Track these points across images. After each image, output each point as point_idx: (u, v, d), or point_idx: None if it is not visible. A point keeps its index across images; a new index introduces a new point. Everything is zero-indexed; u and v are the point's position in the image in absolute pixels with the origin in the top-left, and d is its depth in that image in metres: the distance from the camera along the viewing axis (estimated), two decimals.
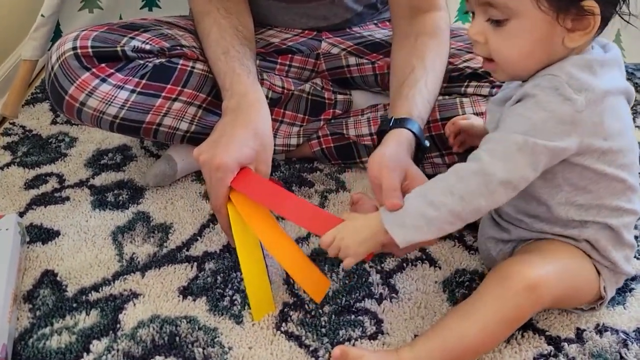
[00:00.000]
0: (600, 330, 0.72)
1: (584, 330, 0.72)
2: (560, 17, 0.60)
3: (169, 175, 1.02)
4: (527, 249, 0.71)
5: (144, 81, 0.90)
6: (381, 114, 1.03)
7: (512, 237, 0.74)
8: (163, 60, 0.92)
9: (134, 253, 0.87)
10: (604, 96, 0.62)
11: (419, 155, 0.80)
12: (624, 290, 0.78)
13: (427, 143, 0.81)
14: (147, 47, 0.91)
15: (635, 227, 0.78)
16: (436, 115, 0.96)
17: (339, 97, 1.09)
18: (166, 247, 0.89)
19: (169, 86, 0.92)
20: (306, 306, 0.77)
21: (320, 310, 0.76)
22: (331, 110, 1.08)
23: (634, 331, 0.72)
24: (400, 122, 0.78)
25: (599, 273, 0.70)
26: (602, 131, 0.63)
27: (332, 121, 1.08)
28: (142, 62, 0.90)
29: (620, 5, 0.61)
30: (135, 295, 0.80)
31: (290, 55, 1.08)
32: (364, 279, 0.81)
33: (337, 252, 0.67)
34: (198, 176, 1.07)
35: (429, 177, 0.99)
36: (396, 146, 0.75)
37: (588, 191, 0.66)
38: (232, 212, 0.75)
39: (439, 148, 0.96)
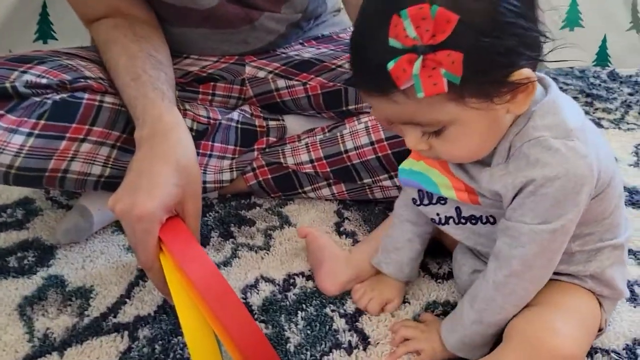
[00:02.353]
0: (591, 353, 0.66)
1: None
2: (496, 100, 0.52)
3: (84, 229, 0.88)
4: (539, 298, 0.62)
5: (42, 121, 0.76)
6: (320, 138, 0.94)
7: None
8: (64, 95, 0.78)
9: (48, 328, 0.72)
10: (583, 129, 0.56)
11: None
12: None
13: None
14: (44, 80, 0.77)
15: None
16: (380, 135, 0.88)
17: (271, 123, 1.00)
18: (88, 315, 0.75)
19: (74, 125, 0.78)
20: None
21: None
22: (264, 139, 0.98)
23: (623, 349, 0.67)
24: None
25: (600, 305, 0.64)
26: (600, 162, 0.57)
27: (267, 150, 0.98)
28: (38, 99, 0.76)
29: (543, 43, 0.55)
30: None
31: (212, 84, 0.97)
32: (327, 327, 0.71)
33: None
34: (119, 226, 0.93)
35: (378, 201, 0.94)
36: None
37: (594, 221, 0.61)
38: (166, 265, 0.63)
39: (387, 169, 0.89)
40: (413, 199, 0.68)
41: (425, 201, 0.68)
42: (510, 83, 0.51)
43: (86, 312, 0.75)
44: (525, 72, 0.51)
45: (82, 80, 0.80)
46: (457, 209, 0.65)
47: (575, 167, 0.54)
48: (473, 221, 0.64)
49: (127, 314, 0.75)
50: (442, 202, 0.66)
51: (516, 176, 0.55)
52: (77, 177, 0.81)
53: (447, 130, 0.54)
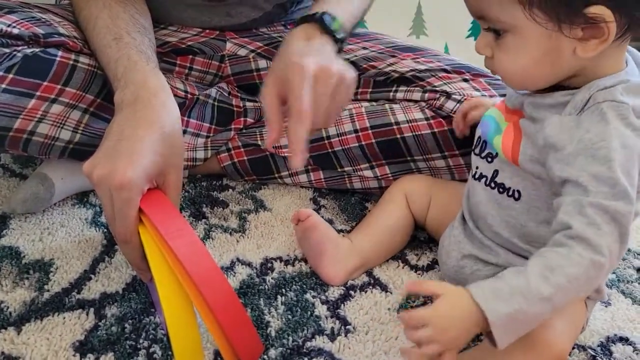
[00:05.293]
0: None
1: None
2: (565, 27, 0.52)
3: (43, 199, 0.81)
4: None
5: (10, 75, 0.69)
6: None
7: (499, 262, 0.65)
8: (37, 50, 0.71)
9: (2, 302, 0.66)
10: None
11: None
12: None
13: (341, 35, 0.73)
14: (15, 31, 0.70)
15: None
16: (365, 124, 0.87)
17: (249, 104, 0.96)
18: (48, 290, 0.69)
19: (45, 83, 0.71)
20: None
21: (264, 356, 0.62)
22: (242, 119, 0.94)
23: (598, 346, 0.68)
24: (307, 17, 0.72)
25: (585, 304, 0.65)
26: None
27: (244, 131, 0.94)
28: (7, 50, 0.69)
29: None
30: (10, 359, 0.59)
31: (190, 57, 0.93)
32: (309, 313, 0.68)
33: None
34: (81, 199, 0.87)
35: (355, 191, 0.93)
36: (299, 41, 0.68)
37: None
38: (146, 239, 0.58)
39: (369, 159, 0.87)
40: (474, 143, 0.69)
41: (477, 150, 0.68)
42: (584, 16, 0.51)
43: (46, 287, 0.69)
44: (606, 12, 0.50)
45: (57, 36, 0.73)
46: (495, 172, 0.64)
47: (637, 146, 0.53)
48: (501, 189, 0.64)
49: (92, 290, 0.69)
50: (489, 159, 0.66)
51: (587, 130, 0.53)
52: (43, 140, 0.74)
53: (507, 37, 0.55)
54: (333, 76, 0.64)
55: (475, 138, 0.69)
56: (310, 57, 0.64)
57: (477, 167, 0.68)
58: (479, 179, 0.67)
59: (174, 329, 0.55)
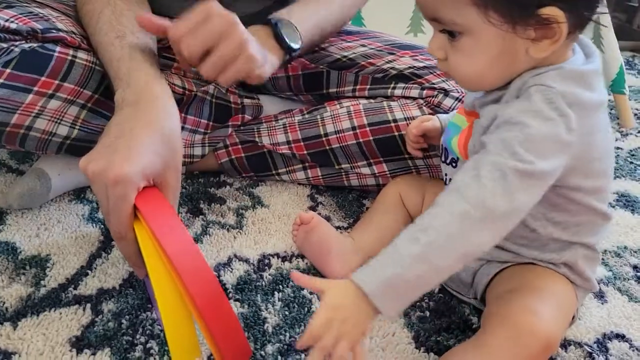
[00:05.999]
0: (565, 345, 0.67)
1: None
2: (519, 28, 0.52)
3: (40, 195, 0.81)
4: (516, 282, 0.62)
5: (8, 70, 0.69)
6: (299, 119, 0.91)
7: (486, 257, 0.66)
8: (35, 45, 0.71)
9: None
10: (596, 112, 0.56)
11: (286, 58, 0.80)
12: None
13: (296, 45, 0.80)
14: (13, 25, 0.70)
15: None
16: (363, 121, 0.87)
17: (247, 101, 0.96)
18: (44, 286, 0.69)
19: (43, 78, 0.71)
20: None
21: (261, 352, 0.62)
22: (240, 116, 0.94)
23: (594, 343, 0.68)
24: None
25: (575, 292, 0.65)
26: (589, 152, 0.57)
27: (242, 128, 0.94)
28: (5, 45, 0.69)
29: (594, 9, 0.55)
30: (7, 355, 0.59)
31: None
32: (306, 309, 0.68)
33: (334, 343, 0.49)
34: (77, 195, 0.86)
35: (353, 188, 0.93)
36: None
37: (565, 210, 0.61)
38: (141, 235, 0.58)
39: (367, 156, 0.87)
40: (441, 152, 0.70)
41: (442, 157, 0.69)
42: (538, 16, 0.51)
43: (42, 282, 0.69)
44: (558, 12, 0.51)
45: (55, 31, 0.73)
46: None
47: (558, 130, 0.52)
48: None
49: (89, 286, 0.69)
50: (454, 165, 0.67)
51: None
52: (40, 135, 0.74)
53: (462, 39, 0.55)
54: (236, 40, 0.69)
55: (440, 146, 0.70)
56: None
57: (446, 174, 0.69)
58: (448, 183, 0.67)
59: (169, 324, 0.54)
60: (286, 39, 0.78)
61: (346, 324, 0.49)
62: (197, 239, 0.79)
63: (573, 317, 0.66)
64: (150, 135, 0.61)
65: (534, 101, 0.53)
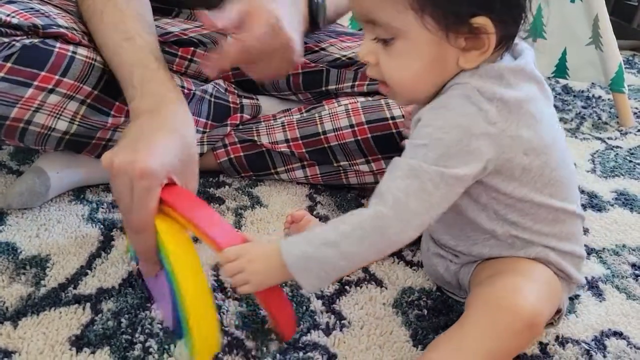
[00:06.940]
0: (562, 342, 0.68)
1: (547, 344, 0.67)
2: (451, 36, 0.53)
3: (39, 194, 0.81)
4: (498, 268, 0.62)
5: (8, 64, 0.70)
6: (297, 118, 0.92)
7: (460, 262, 0.67)
8: (35, 40, 0.72)
9: None
10: (519, 105, 0.55)
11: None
12: (570, 298, 0.74)
13: (320, 24, 0.85)
14: (14, 20, 0.71)
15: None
16: (361, 119, 0.87)
17: (245, 101, 0.96)
18: (44, 285, 0.69)
19: (43, 73, 0.72)
20: (245, 345, 0.63)
21: (263, 349, 0.62)
22: (238, 115, 0.94)
23: (592, 340, 0.69)
24: None
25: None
26: (520, 145, 0.56)
27: (241, 127, 0.94)
28: (6, 40, 0.70)
29: (521, 23, 0.55)
30: (7, 354, 0.59)
31: (192, 49, 0.93)
32: (304, 307, 0.69)
33: (237, 276, 0.57)
34: (77, 195, 0.87)
35: (351, 186, 0.93)
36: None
37: (519, 209, 0.60)
38: (162, 229, 0.59)
39: (365, 154, 0.88)
40: None
41: None
42: (469, 25, 0.52)
43: (42, 282, 0.69)
44: (488, 24, 0.52)
45: (55, 27, 0.74)
46: None
47: (476, 124, 0.53)
48: None
49: (88, 285, 0.70)
50: None
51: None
52: (40, 130, 0.75)
53: (396, 43, 0.55)
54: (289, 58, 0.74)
55: None
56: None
57: None
58: None
59: (195, 319, 0.55)
60: (317, 18, 0.83)
61: (255, 276, 0.56)
62: (197, 238, 0.79)
63: (560, 311, 0.65)
64: (170, 139, 0.63)
65: (451, 97, 0.55)
